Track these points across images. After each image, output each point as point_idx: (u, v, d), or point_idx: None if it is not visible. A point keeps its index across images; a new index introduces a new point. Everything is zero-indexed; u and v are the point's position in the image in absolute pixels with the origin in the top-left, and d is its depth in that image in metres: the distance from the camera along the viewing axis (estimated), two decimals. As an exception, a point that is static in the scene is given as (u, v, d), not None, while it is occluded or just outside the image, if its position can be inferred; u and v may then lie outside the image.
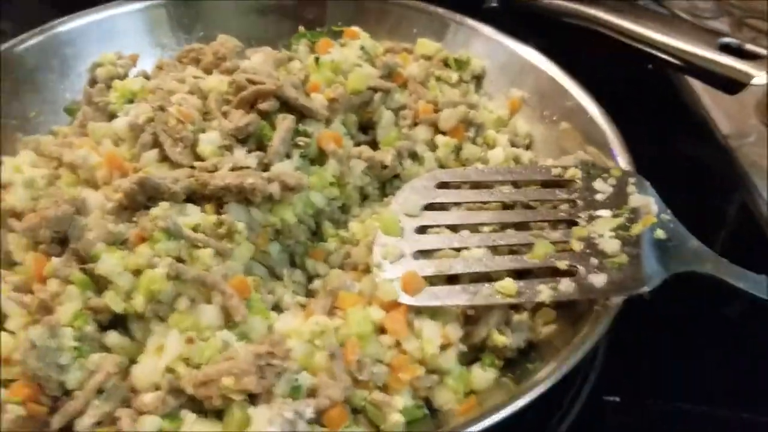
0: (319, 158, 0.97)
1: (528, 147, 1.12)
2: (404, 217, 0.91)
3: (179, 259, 0.79)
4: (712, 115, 1.37)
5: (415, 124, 1.08)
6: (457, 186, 0.96)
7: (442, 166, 1.05)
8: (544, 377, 0.71)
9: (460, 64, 1.19)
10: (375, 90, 1.06)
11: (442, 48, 1.21)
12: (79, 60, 1.11)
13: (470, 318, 0.84)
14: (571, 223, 0.88)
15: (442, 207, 0.94)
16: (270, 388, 0.71)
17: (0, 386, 0.73)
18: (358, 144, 1.05)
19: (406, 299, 0.81)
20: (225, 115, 0.96)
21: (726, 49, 1.09)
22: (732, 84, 1.10)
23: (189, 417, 0.71)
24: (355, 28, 1.21)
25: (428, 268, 0.84)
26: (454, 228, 0.91)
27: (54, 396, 0.73)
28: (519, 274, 0.84)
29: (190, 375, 0.71)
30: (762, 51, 1.09)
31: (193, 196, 0.86)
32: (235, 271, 0.82)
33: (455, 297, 0.82)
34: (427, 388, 0.79)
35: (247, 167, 0.89)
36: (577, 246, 0.83)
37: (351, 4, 1.28)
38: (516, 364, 0.81)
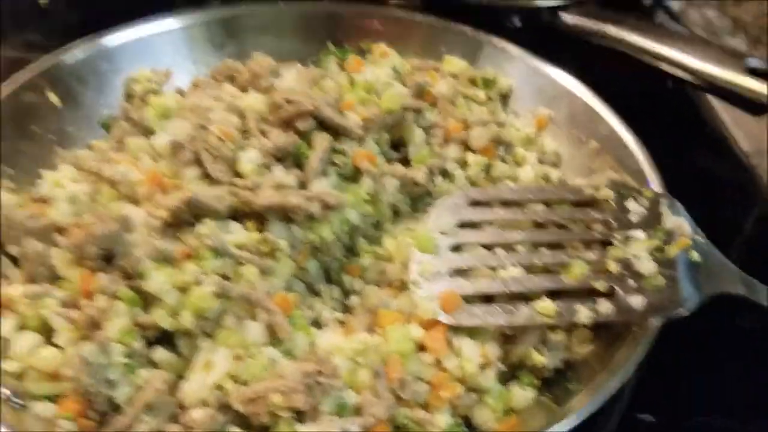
0: (353, 176, 0.99)
1: (555, 165, 1.13)
2: (438, 235, 0.93)
3: (224, 277, 0.80)
4: (732, 132, 1.39)
5: (445, 142, 1.10)
6: (489, 204, 0.98)
7: (472, 184, 1.07)
8: (587, 400, 0.72)
9: (487, 83, 1.21)
10: (407, 109, 1.08)
11: (469, 66, 1.23)
12: (115, 75, 1.13)
13: (507, 336, 0.85)
14: (605, 243, 0.89)
15: (474, 225, 0.95)
16: (317, 405, 0.72)
17: (45, 401, 0.74)
18: (389, 161, 1.06)
19: (445, 318, 0.83)
20: (263, 133, 0.97)
21: (753, 71, 1.11)
22: (757, 107, 1.12)
23: (236, 433, 0.73)
24: (384, 46, 1.23)
25: (466, 286, 0.86)
26: (487, 246, 0.92)
27: (102, 411, 0.74)
28: (553, 293, 0.86)
29: (238, 391, 0.73)
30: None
31: (235, 214, 0.88)
32: (276, 288, 0.84)
33: (494, 316, 0.83)
34: (466, 407, 0.81)
35: (288, 186, 0.90)
36: (614, 267, 0.85)
37: (378, 22, 1.29)
38: (554, 383, 0.83)
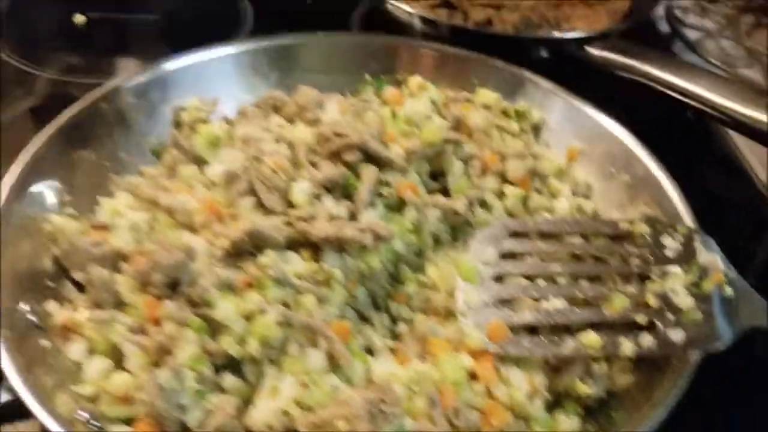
0: (398, 206, 1.03)
1: (587, 197, 1.18)
2: (481, 265, 0.97)
3: (285, 305, 0.84)
4: (748, 159, 1.44)
5: (483, 173, 1.14)
6: (527, 235, 1.02)
7: (510, 215, 1.11)
8: (635, 427, 0.77)
9: (520, 115, 1.26)
10: (447, 141, 1.12)
11: (500, 98, 1.28)
12: (163, 102, 1.17)
13: (551, 366, 0.89)
14: (643, 277, 0.93)
15: (514, 256, 1.00)
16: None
17: (120, 423, 0.78)
18: (429, 192, 1.11)
19: (493, 348, 0.87)
20: (312, 164, 1.02)
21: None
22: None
23: (300, 456, 0.76)
24: (420, 78, 1.28)
25: (512, 317, 0.90)
26: (528, 277, 0.97)
27: (173, 434, 0.78)
28: (593, 325, 0.90)
29: (303, 417, 0.76)
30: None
31: (291, 243, 0.92)
32: (332, 316, 0.88)
33: (541, 348, 0.87)
34: (515, 434, 0.85)
35: (340, 217, 0.95)
36: (653, 301, 0.89)
37: (412, 54, 1.34)
38: (596, 412, 0.87)
